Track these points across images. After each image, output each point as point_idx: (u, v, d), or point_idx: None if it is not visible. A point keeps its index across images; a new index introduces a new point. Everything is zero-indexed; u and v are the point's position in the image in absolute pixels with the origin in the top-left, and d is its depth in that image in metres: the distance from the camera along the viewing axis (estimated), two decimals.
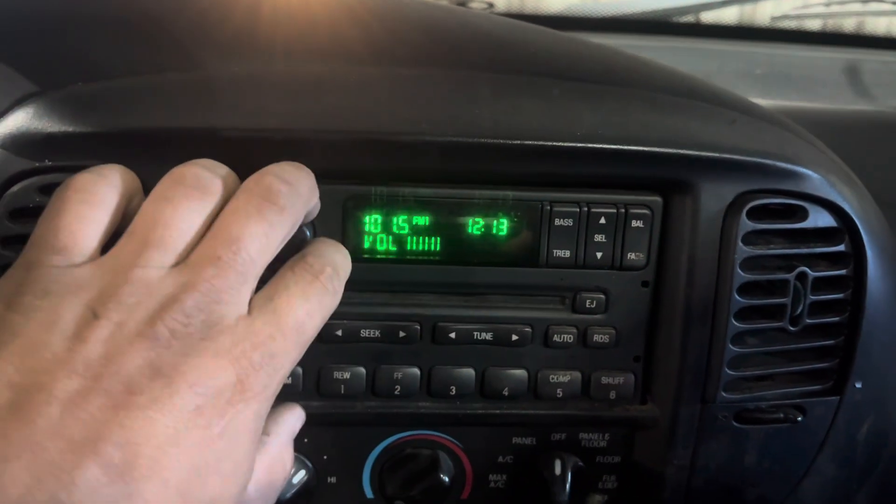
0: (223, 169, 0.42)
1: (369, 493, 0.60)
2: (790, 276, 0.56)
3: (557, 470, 0.58)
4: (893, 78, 1.06)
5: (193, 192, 0.39)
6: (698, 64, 1.03)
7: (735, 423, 0.58)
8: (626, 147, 0.52)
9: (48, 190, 0.50)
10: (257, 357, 0.36)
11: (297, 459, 0.57)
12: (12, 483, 0.29)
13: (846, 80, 1.04)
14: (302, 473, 0.57)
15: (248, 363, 0.35)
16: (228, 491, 0.35)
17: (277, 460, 0.43)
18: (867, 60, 1.09)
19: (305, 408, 0.56)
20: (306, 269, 0.41)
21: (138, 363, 0.33)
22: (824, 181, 0.56)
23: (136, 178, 0.44)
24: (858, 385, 0.60)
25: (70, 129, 0.49)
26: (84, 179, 0.40)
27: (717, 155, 0.53)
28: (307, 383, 0.56)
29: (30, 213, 0.50)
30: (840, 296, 0.58)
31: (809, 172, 0.55)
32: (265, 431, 0.42)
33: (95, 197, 0.40)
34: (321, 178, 0.52)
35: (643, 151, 0.52)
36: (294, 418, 0.47)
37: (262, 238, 0.38)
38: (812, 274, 0.56)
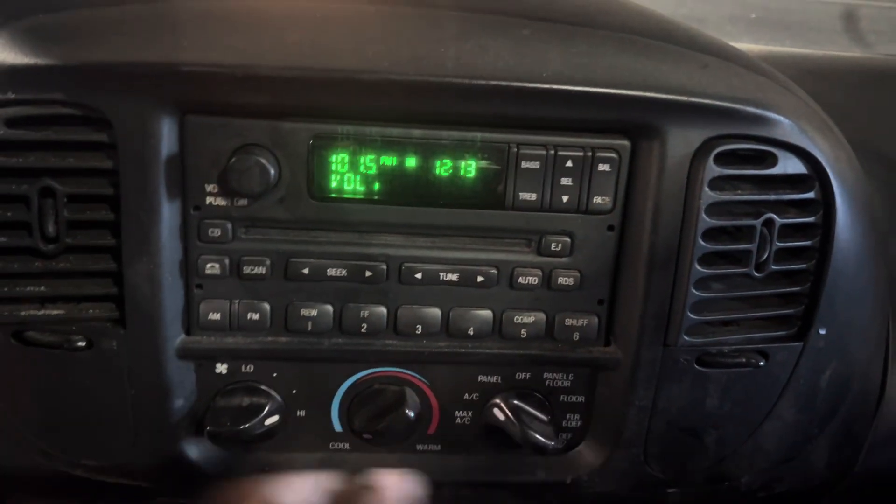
0: None
1: (338, 427, 0.61)
2: (757, 223, 0.56)
3: (501, 417, 0.60)
4: (890, 25, 1.03)
5: None
6: (691, 7, 1.01)
7: (697, 367, 0.59)
8: (592, 89, 0.51)
9: (13, 123, 0.50)
10: None
11: (268, 397, 0.59)
12: None
13: (842, 26, 1.02)
14: (275, 419, 0.58)
15: None
16: None
17: None
18: (864, 6, 1.07)
19: (273, 343, 0.57)
20: None
21: None
22: (795, 127, 0.55)
23: None
24: (822, 332, 0.60)
25: (33, 61, 0.49)
26: None
27: (684, 99, 0.53)
28: (275, 319, 0.57)
29: None
30: (807, 243, 0.58)
31: (780, 118, 0.55)
32: None
33: None
34: (287, 115, 0.52)
35: (610, 94, 0.52)
36: None
37: None
38: (779, 220, 0.56)
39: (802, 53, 0.93)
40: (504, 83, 0.50)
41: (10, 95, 0.50)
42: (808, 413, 0.64)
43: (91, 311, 0.54)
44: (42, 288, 0.53)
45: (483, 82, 0.50)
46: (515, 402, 0.61)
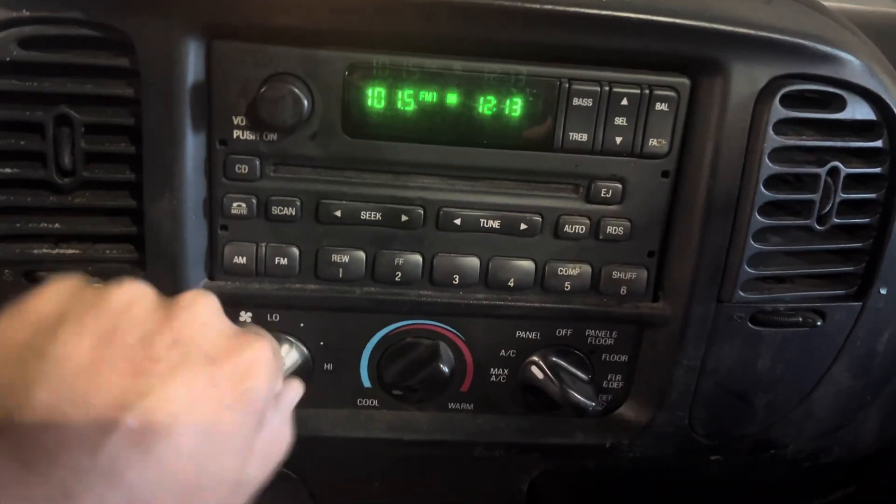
0: None
1: (367, 383, 0.58)
2: (821, 171, 0.52)
3: (539, 375, 0.56)
4: None
5: None
6: None
7: (750, 325, 0.56)
8: (654, 18, 0.47)
9: (27, 44, 0.46)
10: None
11: (289, 342, 0.55)
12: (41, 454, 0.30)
13: None
14: (294, 356, 0.55)
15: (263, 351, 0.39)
16: (233, 464, 0.36)
17: (276, 436, 0.41)
18: None
19: (301, 291, 0.54)
20: None
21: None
22: (866, 68, 0.52)
23: None
24: (883, 291, 0.57)
25: None
26: None
27: (751, 32, 0.49)
28: (304, 265, 0.53)
29: (7, 68, 0.46)
30: (872, 196, 0.54)
31: (850, 57, 0.51)
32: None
33: None
34: (322, 43, 0.48)
35: (673, 24, 0.48)
36: (294, 393, 0.45)
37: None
38: (845, 170, 0.53)
39: (851, 9, 0.88)
40: (560, 7, 0.46)
41: (24, 13, 0.46)
42: (863, 378, 0.61)
43: (108, 251, 0.51)
44: (56, 225, 0.50)
45: (537, 6, 0.46)
46: (554, 359, 0.57)
